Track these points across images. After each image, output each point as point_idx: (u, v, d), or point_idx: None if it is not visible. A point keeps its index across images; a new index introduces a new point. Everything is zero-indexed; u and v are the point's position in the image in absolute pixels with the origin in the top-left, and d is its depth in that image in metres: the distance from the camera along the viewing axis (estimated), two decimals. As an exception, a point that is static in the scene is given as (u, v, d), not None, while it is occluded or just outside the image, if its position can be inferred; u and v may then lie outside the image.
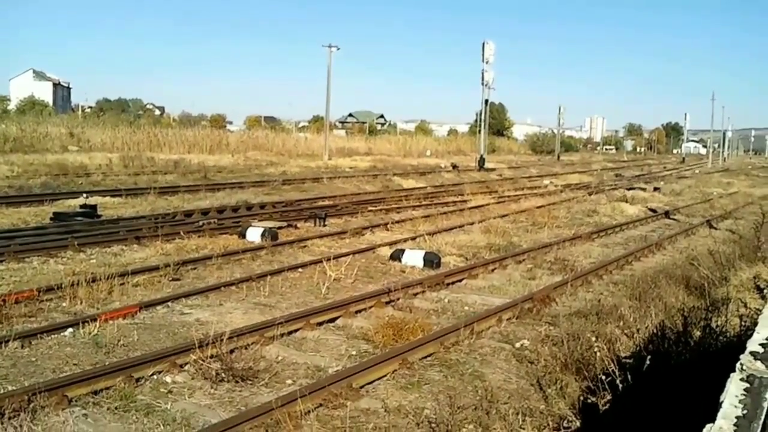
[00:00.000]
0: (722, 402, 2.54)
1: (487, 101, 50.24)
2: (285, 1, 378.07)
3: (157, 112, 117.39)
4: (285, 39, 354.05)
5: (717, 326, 7.08)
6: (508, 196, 26.79)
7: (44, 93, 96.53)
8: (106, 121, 55.12)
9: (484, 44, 47.70)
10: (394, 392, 6.33)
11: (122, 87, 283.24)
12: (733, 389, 2.65)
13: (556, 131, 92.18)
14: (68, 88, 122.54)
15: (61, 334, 7.53)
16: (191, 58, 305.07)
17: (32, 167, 28.10)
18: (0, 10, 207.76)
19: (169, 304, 9.03)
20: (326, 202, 22.22)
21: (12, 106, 79.18)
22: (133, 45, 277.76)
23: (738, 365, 2.97)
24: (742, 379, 2.80)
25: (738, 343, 6.10)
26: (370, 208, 20.66)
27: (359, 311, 9.04)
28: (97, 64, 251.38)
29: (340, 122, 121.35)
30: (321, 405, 5.87)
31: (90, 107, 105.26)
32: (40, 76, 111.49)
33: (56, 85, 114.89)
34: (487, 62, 47.65)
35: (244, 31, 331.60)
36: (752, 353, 3.19)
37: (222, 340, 6.79)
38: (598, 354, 6.26)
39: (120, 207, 19.07)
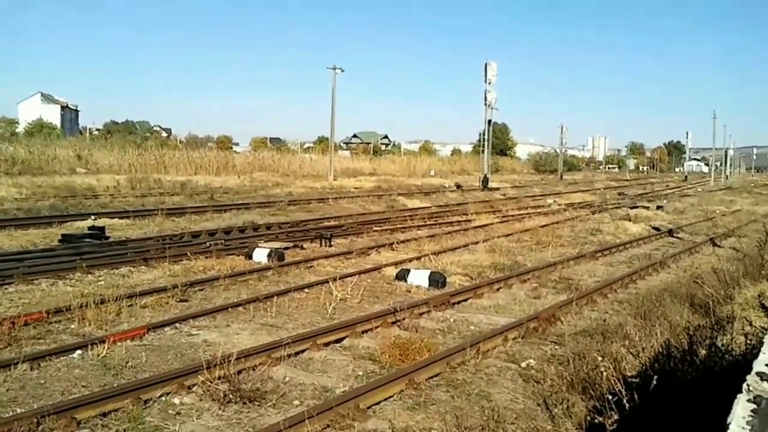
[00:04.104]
0: (729, 423, 2.56)
1: (490, 121, 50.45)
2: (290, 24, 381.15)
3: (164, 134, 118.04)
4: (290, 61, 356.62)
5: (722, 345, 7.08)
6: (512, 216, 26.82)
7: (52, 116, 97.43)
8: (114, 143, 55.38)
9: (486, 65, 48.01)
10: (402, 413, 6.35)
11: (129, 109, 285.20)
12: (740, 410, 2.67)
13: (558, 150, 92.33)
14: (76, 111, 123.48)
15: (70, 356, 7.58)
16: (197, 81, 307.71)
17: (41, 189, 28.27)
18: (8, 34, 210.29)
19: (177, 325, 9.09)
20: (332, 223, 22.31)
21: (20, 128, 79.86)
22: (140, 68, 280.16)
23: (745, 386, 2.99)
24: (749, 400, 2.82)
25: (744, 362, 6.12)
26: (375, 228, 20.74)
27: (365, 331, 9.08)
28: (105, 87, 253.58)
29: (344, 143, 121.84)
30: (328, 426, 5.89)
31: (98, 130, 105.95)
32: (48, 99, 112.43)
33: (64, 108, 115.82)
34: (489, 83, 47.93)
35: (250, 53, 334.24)
36: (759, 374, 3.21)
37: (229, 361, 6.84)
38: (605, 373, 6.27)
39: (128, 228, 19.18)
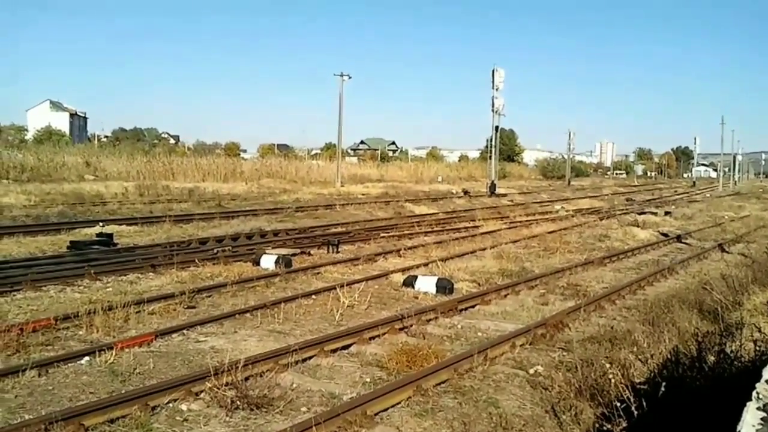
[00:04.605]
0: (739, 431, 2.55)
1: (497, 127, 50.46)
2: (297, 31, 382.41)
3: (172, 141, 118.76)
4: (297, 68, 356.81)
5: (731, 351, 7.05)
6: (520, 222, 26.77)
7: (61, 123, 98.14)
8: (122, 150, 55.81)
9: (493, 71, 48.03)
10: (409, 419, 6.33)
11: (138, 117, 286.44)
12: (750, 418, 2.66)
13: (566, 156, 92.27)
14: (84, 118, 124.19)
15: (78, 362, 7.60)
16: (205, 88, 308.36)
17: (49, 196, 28.46)
18: (17, 42, 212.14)
19: (185, 331, 9.10)
20: (339, 229, 22.31)
21: (29, 136, 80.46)
22: (148, 75, 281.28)
23: (754, 394, 2.98)
24: (758, 408, 2.80)
25: (753, 369, 6.09)
26: (382, 235, 20.73)
27: (373, 338, 9.06)
28: (113, 95, 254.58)
29: (352, 149, 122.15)
30: (336, 432, 5.88)
31: (106, 137, 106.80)
32: (56, 106, 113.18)
33: (73, 116, 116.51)
34: (497, 89, 47.93)
35: (257, 60, 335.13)
36: (768, 382, 3.19)
37: (237, 367, 6.84)
38: (613, 380, 6.24)
39: (136, 235, 19.24)
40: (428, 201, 37.64)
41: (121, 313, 9.35)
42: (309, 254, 16.52)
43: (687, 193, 66.01)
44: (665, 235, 23.74)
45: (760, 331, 7.90)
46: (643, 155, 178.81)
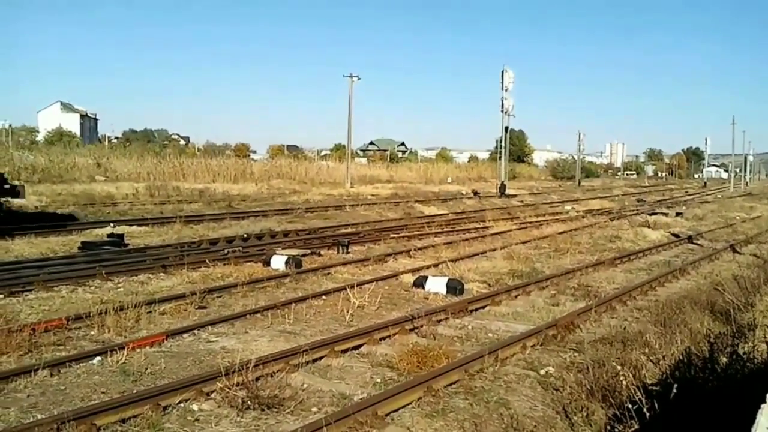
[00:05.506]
0: (753, 434, 2.53)
1: (507, 128, 50.31)
2: (306, 32, 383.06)
3: (182, 142, 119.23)
4: (307, 69, 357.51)
5: (744, 353, 7.02)
6: (530, 222, 26.71)
7: (72, 124, 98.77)
8: (133, 151, 56.06)
9: (503, 72, 47.92)
10: (420, 420, 6.32)
11: (148, 118, 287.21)
12: (764, 421, 2.64)
13: (576, 157, 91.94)
14: (95, 120, 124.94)
15: (90, 362, 7.63)
16: (216, 89, 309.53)
17: (60, 197, 28.65)
18: (29, 44, 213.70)
19: (196, 332, 9.13)
20: (349, 230, 22.33)
21: (40, 137, 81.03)
22: (158, 77, 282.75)
23: (768, 396, 2.95)
24: (772, 411, 2.77)
25: (766, 370, 6.05)
26: (392, 235, 20.73)
27: (383, 338, 9.05)
28: (123, 96, 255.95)
29: (361, 150, 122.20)
30: (346, 433, 5.88)
31: (116, 138, 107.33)
32: (67, 108, 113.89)
33: (83, 117, 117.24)
34: (506, 90, 47.81)
35: (267, 62, 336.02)
36: (782, 383, 3.15)
37: (248, 367, 6.85)
38: (624, 381, 6.20)
39: (146, 236, 19.33)
40: (438, 202, 37.61)
41: (132, 313, 9.39)
42: (319, 255, 16.53)
43: (698, 193, 65.67)
44: (676, 235, 23.60)
45: (773, 332, 7.85)
46: (654, 156, 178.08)
